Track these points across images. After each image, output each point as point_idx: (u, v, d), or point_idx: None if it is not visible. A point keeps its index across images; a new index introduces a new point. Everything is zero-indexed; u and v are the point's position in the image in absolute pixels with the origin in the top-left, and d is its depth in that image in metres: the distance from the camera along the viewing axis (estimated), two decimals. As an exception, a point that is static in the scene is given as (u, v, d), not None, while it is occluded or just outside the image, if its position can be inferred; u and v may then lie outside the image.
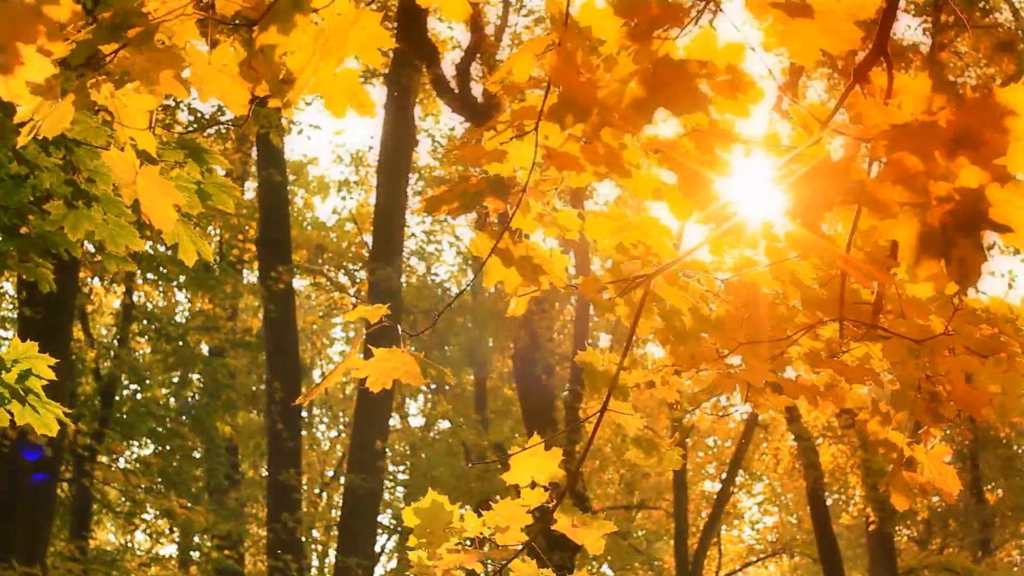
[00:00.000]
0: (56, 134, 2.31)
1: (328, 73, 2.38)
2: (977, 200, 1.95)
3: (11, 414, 3.41)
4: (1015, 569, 24.83)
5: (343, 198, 25.08)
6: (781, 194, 2.27)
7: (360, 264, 23.34)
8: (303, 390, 21.49)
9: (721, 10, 2.23)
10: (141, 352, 20.87)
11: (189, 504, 17.05)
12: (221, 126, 16.76)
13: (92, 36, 2.25)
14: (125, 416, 18.49)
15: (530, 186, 2.90)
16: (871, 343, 3.12)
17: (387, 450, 19.60)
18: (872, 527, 20.40)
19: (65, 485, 17.81)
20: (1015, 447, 24.15)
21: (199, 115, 16.28)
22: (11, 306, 19.89)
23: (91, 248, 11.14)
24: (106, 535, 25.91)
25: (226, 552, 18.55)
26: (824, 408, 3.33)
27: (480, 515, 3.21)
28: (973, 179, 1.96)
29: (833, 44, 2.28)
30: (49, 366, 3.43)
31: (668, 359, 3.38)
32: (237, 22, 2.35)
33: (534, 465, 3.20)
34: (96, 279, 18.18)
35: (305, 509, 20.53)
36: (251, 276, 21.89)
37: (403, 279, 20.30)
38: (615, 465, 24.59)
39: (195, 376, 20.06)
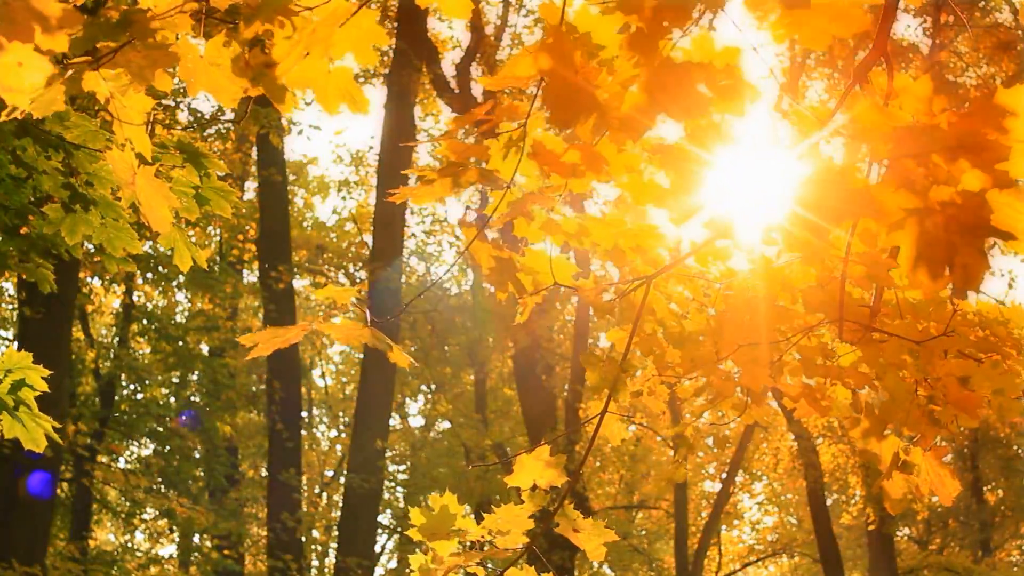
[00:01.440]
0: (45, 114, 2.29)
1: (322, 69, 2.36)
2: (980, 206, 1.93)
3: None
4: (1015, 569, 24.81)
5: (343, 198, 25.05)
6: (784, 199, 2.25)
7: (360, 264, 23.32)
8: (302, 390, 21.48)
9: (723, 8, 2.21)
10: (141, 352, 20.86)
11: (189, 504, 17.02)
12: (221, 126, 16.74)
13: (92, 31, 2.24)
14: (125, 416, 18.48)
15: (533, 192, 2.88)
16: (862, 347, 3.10)
17: (387, 450, 19.58)
18: (872, 527, 20.38)
19: (65, 485, 17.80)
20: (1015, 447, 24.14)
21: (199, 115, 16.27)
22: (11, 306, 19.89)
23: (91, 248, 11.12)
24: (106, 535, 25.91)
25: (226, 552, 18.53)
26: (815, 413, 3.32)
27: (480, 517, 3.20)
28: (975, 183, 1.94)
29: (842, 28, 2.28)
30: (43, 378, 3.38)
31: (653, 369, 3.38)
32: (234, 22, 2.34)
33: (537, 469, 3.19)
34: (96, 279, 18.17)
35: (305, 509, 20.50)
36: (251, 276, 21.87)
37: (403, 279, 20.28)
38: (615, 465, 24.58)
39: (195, 376, 20.05)
